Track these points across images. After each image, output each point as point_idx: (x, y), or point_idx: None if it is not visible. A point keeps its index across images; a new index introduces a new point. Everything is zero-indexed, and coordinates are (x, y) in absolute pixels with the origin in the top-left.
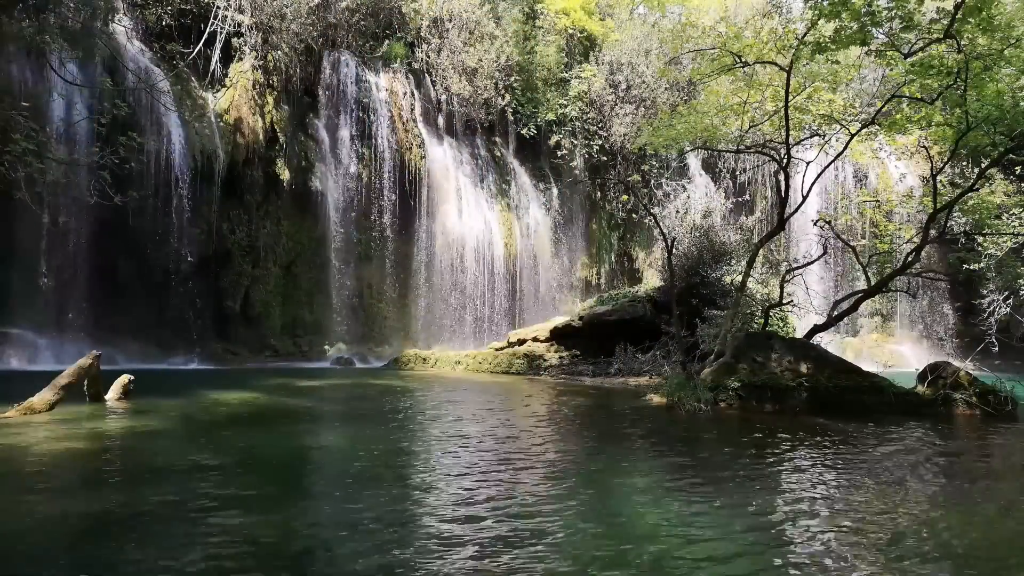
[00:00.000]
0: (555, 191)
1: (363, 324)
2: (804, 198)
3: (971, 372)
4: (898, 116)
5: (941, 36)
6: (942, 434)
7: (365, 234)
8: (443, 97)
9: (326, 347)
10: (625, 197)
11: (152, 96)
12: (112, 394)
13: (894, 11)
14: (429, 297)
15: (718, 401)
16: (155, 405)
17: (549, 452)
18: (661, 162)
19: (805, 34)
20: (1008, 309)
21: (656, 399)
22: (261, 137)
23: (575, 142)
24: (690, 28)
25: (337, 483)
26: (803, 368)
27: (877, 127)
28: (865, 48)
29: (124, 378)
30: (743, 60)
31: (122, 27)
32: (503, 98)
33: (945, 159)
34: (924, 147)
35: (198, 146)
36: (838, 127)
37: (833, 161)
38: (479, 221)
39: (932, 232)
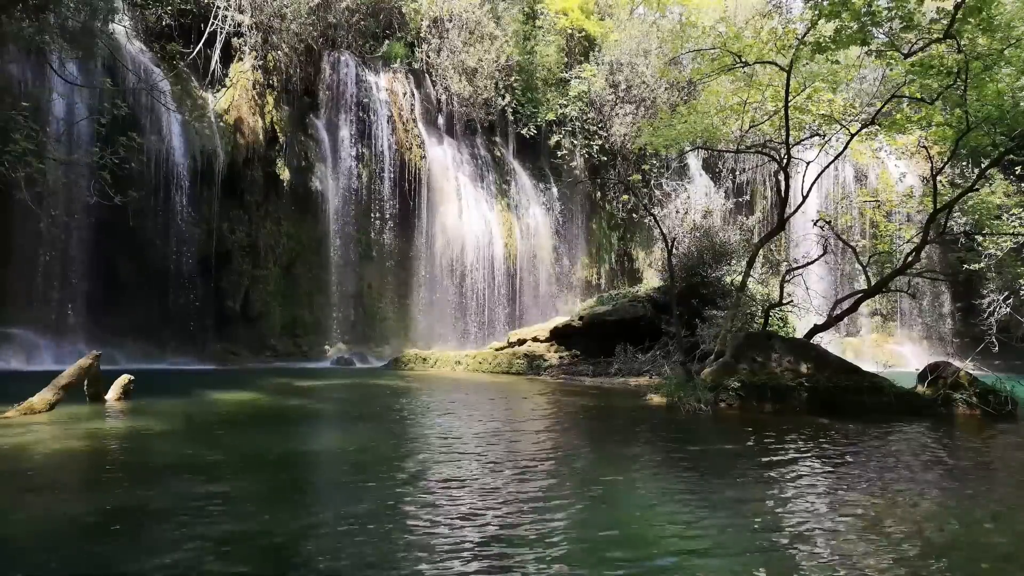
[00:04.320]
0: (555, 191)
1: (363, 324)
2: (804, 198)
3: (971, 372)
4: (898, 116)
5: (941, 36)
6: (942, 434)
7: (365, 234)
8: (443, 97)
9: (326, 347)
10: (625, 197)
11: (152, 96)
12: (112, 394)
13: (894, 11)
14: (429, 297)
15: (718, 401)
16: (155, 405)
17: (549, 452)
18: (661, 162)
19: (805, 34)
20: (1008, 309)
21: (656, 399)
22: (261, 137)
23: (575, 142)
24: (690, 28)
25: (337, 484)
26: (803, 368)
27: (877, 127)
28: (865, 48)
29: (124, 378)
30: (743, 60)
31: (122, 27)
32: (503, 98)
33: (945, 159)
34: (924, 147)
35: (198, 146)
36: (838, 127)
37: (833, 161)
38: (479, 221)
39: (932, 232)
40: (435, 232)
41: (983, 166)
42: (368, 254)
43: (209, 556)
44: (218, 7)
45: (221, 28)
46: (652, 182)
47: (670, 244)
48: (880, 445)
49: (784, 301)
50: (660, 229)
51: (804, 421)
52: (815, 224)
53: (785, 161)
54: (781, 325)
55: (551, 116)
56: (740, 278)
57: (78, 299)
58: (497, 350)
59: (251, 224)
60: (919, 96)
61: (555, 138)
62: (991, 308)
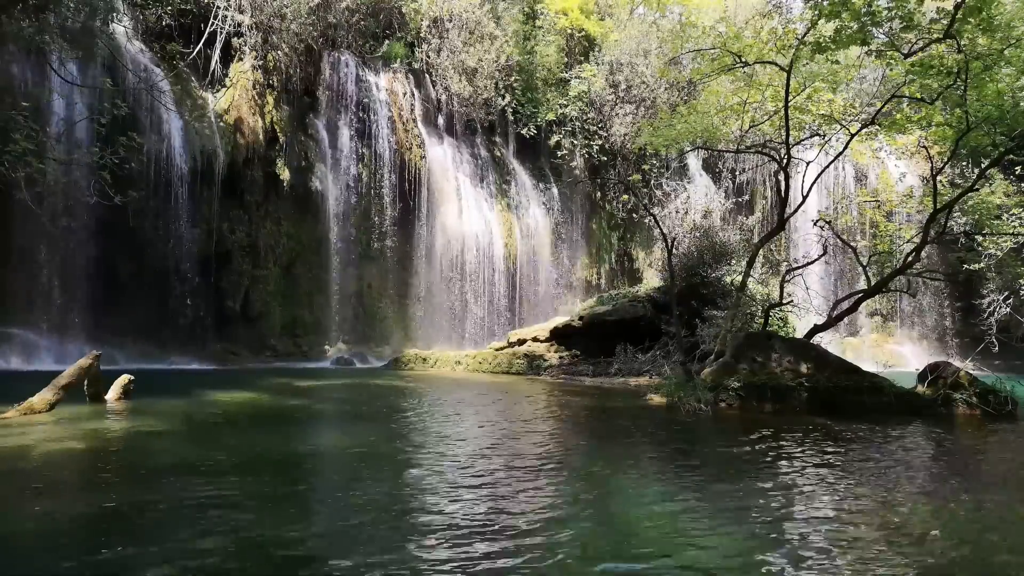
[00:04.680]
0: (555, 191)
1: (363, 324)
2: (804, 198)
3: (971, 372)
4: (898, 116)
5: (941, 36)
6: (942, 434)
7: (365, 234)
8: (443, 97)
9: (326, 347)
10: (625, 197)
11: (152, 96)
12: (112, 394)
13: (894, 11)
14: (429, 297)
15: (718, 401)
16: (155, 405)
17: (549, 452)
18: (661, 162)
19: (805, 34)
20: (1008, 309)
21: (656, 399)
22: (261, 137)
23: (575, 142)
24: (690, 28)
25: (337, 484)
26: (803, 368)
27: (877, 127)
28: (865, 48)
29: (124, 378)
30: (743, 60)
31: (122, 27)
32: (503, 98)
33: (945, 159)
34: (924, 147)
35: (198, 146)
36: (838, 127)
37: (833, 161)
38: (479, 221)
39: (932, 232)
40: (435, 232)
41: (983, 166)
42: (368, 254)
43: (210, 558)
44: (218, 7)
45: (221, 28)
46: (652, 182)
47: (670, 244)
48: (881, 446)
49: (784, 301)
50: (660, 229)
51: (804, 421)
52: (815, 224)
53: (785, 161)
54: (781, 325)
55: (551, 116)
56: (740, 278)
57: (78, 299)
58: (497, 350)
59: (251, 224)
60: (919, 96)
61: (555, 138)
62: (991, 308)
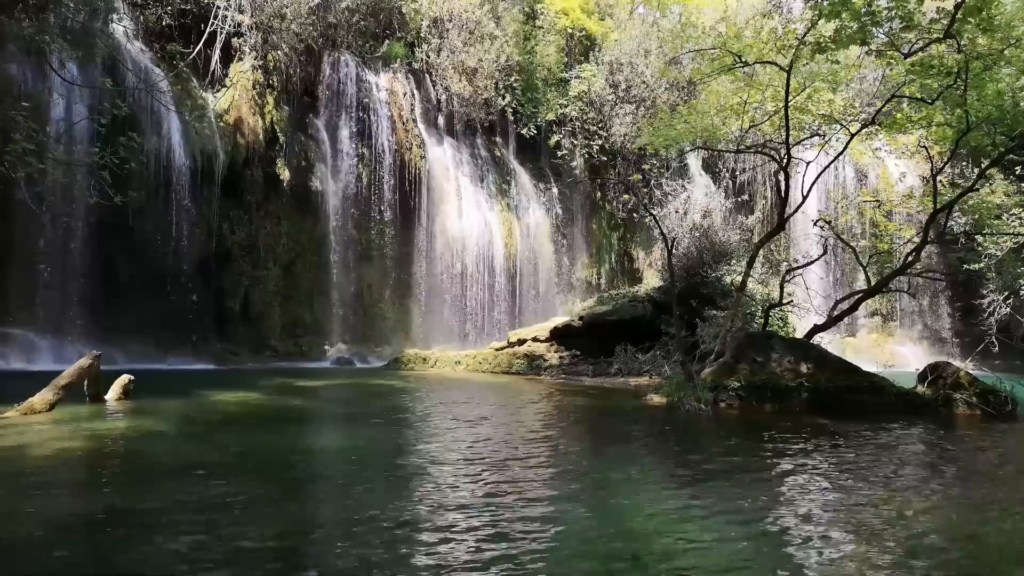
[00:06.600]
0: (555, 191)
1: (363, 324)
2: (804, 198)
3: (971, 372)
4: (898, 116)
5: (941, 36)
6: (942, 434)
7: (365, 234)
8: (443, 97)
9: (326, 347)
10: (626, 197)
11: (152, 96)
12: (112, 394)
13: (894, 11)
14: (429, 297)
15: (718, 401)
16: (155, 405)
17: (549, 452)
18: (661, 162)
19: (805, 34)
20: (1008, 309)
21: (656, 399)
22: (261, 137)
23: (575, 142)
24: (690, 28)
25: (337, 484)
26: (803, 368)
27: (877, 127)
28: (865, 48)
29: (124, 378)
30: (743, 60)
31: (122, 27)
32: (503, 98)
33: (945, 159)
34: (924, 147)
35: (198, 146)
36: (838, 127)
37: (833, 161)
38: (479, 221)
39: (932, 232)
40: (435, 232)
41: (983, 166)
42: (368, 254)
43: (209, 556)
44: (218, 7)
45: (221, 28)
46: (652, 182)
47: (670, 244)
48: (882, 446)
49: (784, 301)
50: (660, 229)
51: (804, 422)
52: (815, 224)
53: (785, 161)
54: (781, 325)
55: (551, 116)
56: (740, 278)
57: (78, 299)
58: (497, 350)
59: (251, 224)
60: (919, 96)
61: (555, 138)
62: (991, 308)
